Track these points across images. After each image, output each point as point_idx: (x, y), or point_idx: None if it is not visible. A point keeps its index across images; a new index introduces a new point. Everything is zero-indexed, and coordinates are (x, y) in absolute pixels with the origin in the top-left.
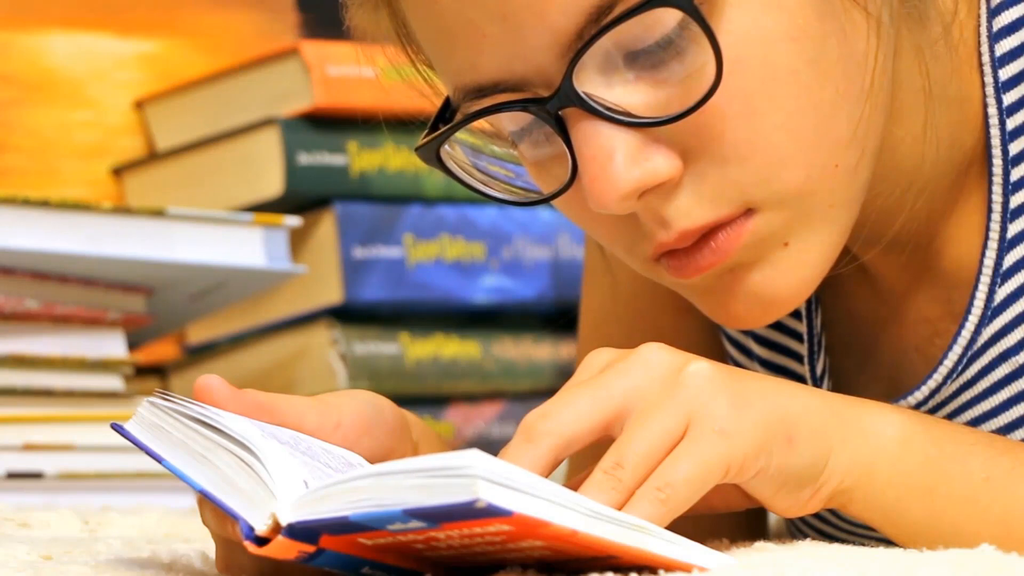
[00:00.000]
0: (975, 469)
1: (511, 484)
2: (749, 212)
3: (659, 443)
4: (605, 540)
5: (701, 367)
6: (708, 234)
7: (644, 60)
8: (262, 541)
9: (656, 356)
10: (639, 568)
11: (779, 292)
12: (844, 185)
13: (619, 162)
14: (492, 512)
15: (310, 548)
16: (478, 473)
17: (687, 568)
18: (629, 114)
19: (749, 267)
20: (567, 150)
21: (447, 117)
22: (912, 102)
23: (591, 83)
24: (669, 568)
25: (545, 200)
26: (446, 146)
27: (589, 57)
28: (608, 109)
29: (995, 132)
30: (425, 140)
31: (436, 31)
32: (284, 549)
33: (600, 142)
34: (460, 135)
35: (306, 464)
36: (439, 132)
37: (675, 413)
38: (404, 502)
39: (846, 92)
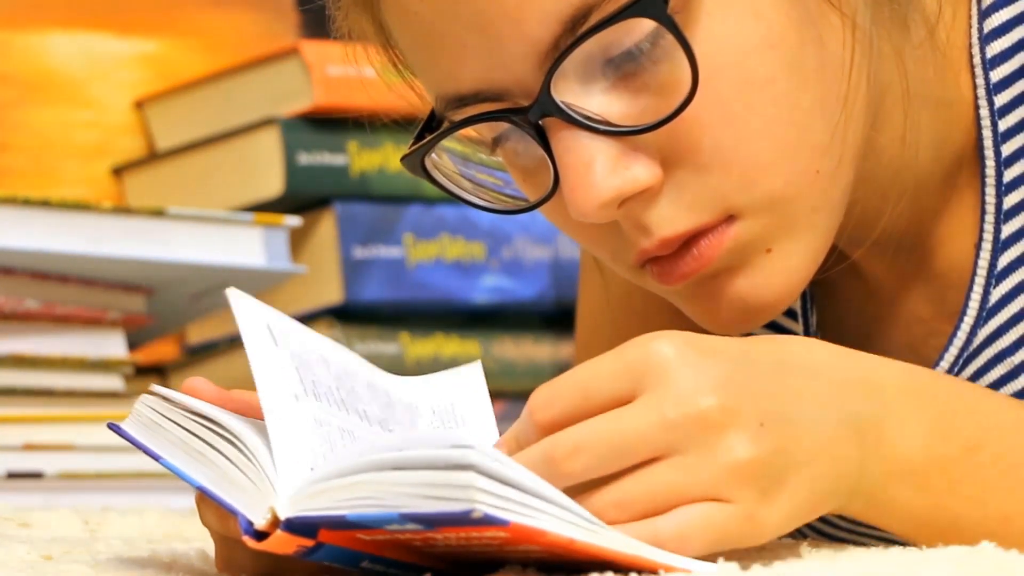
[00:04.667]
0: (992, 512)
1: (508, 495)
2: (730, 219)
3: (670, 500)
4: (603, 548)
5: (739, 420)
6: (690, 241)
7: (622, 68)
8: (261, 536)
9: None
10: (639, 569)
11: (763, 298)
12: (825, 190)
13: (598, 171)
14: (488, 521)
15: (309, 542)
16: (475, 483)
17: (687, 570)
18: (607, 123)
19: (733, 273)
20: (548, 159)
21: (432, 127)
22: (895, 105)
23: (570, 92)
24: (669, 570)
25: (530, 208)
26: (433, 155)
27: (567, 66)
28: (586, 118)
29: (987, 134)
30: (410, 150)
31: (416, 41)
32: (283, 543)
33: (579, 151)
34: (447, 143)
35: (329, 432)
36: (424, 142)
37: (698, 474)
38: (401, 506)
39: (824, 98)
